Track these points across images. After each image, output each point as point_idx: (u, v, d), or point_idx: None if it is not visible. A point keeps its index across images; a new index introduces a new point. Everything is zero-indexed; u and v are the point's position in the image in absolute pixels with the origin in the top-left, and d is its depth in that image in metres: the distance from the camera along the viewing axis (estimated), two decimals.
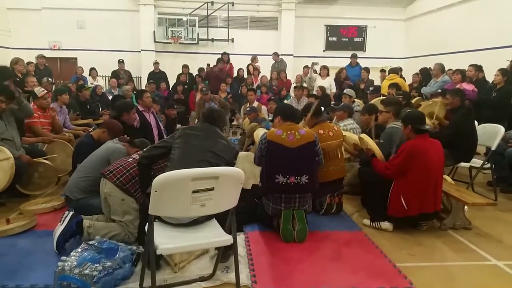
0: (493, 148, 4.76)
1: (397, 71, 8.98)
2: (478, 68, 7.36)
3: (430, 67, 8.39)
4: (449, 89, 5.99)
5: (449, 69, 8.09)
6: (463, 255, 3.33)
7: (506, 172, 5.02)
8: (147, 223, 2.26)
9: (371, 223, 3.84)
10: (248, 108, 7.55)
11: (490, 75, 7.21)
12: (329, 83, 9.69)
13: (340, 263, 3.12)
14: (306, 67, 10.67)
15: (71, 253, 2.63)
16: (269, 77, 10.71)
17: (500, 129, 4.80)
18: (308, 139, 3.53)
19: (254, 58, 11.37)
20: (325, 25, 15.65)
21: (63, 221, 3.11)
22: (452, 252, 3.37)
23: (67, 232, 3.09)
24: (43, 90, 5.29)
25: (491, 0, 10.78)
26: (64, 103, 6.02)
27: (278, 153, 3.49)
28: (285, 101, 8.69)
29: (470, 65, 7.40)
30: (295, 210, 3.52)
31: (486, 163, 4.83)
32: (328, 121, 4.53)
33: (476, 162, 4.96)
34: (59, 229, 3.10)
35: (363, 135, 4.18)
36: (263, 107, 8.42)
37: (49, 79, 8.11)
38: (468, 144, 4.82)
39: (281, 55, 11.80)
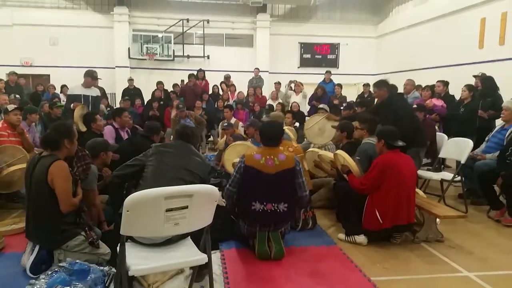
0: (462, 162, 4.90)
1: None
2: (445, 84, 7.60)
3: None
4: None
5: (418, 85, 8.30)
6: (435, 267, 3.38)
7: (476, 185, 5.16)
8: (119, 244, 2.21)
9: (346, 237, 3.86)
10: (226, 124, 7.55)
11: (455, 90, 7.47)
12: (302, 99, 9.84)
13: (316, 279, 3.12)
14: (277, 83, 10.86)
15: (41, 275, 2.55)
16: (245, 93, 10.78)
17: (469, 143, 4.94)
18: (287, 165, 3.41)
19: (228, 77, 11.42)
20: (299, 42, 15.92)
21: (32, 251, 2.99)
22: (425, 265, 3.42)
23: (38, 262, 2.95)
24: (15, 107, 5.19)
25: (455, 18, 11.23)
26: (33, 122, 5.88)
27: (255, 179, 3.36)
28: (263, 118, 8.70)
29: (438, 81, 7.63)
30: (270, 233, 3.45)
31: (456, 176, 4.97)
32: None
33: (447, 175, 5.10)
34: (30, 259, 2.96)
35: (339, 151, 4.22)
36: (240, 123, 8.43)
37: (17, 95, 7.90)
38: (410, 127, 4.72)
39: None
